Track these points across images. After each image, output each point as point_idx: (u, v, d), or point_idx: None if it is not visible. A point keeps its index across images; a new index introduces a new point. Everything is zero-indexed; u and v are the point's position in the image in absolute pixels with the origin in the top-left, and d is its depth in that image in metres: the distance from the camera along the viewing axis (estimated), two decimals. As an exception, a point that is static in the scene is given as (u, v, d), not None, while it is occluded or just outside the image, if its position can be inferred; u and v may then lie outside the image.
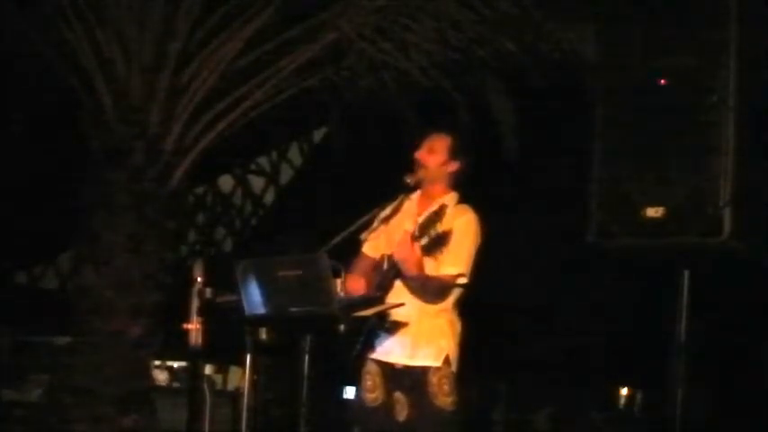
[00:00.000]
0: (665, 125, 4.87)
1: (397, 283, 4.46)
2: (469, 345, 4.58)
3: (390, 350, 4.51)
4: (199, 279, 4.75)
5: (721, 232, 4.69)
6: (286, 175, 15.98)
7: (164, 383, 8.06)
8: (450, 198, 4.59)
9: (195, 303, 4.78)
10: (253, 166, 15.99)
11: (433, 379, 4.44)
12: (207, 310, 4.76)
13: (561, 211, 7.91)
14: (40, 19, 7.05)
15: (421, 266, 4.30)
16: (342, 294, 4.12)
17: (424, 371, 4.46)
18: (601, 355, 10.61)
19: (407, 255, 4.27)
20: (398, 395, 4.48)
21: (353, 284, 4.50)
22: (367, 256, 4.65)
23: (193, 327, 4.85)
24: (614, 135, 5.04)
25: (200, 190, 15.39)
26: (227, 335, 4.64)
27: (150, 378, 7.52)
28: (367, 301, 4.32)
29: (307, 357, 4.17)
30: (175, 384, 8.12)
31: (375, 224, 4.61)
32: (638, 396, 9.72)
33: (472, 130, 7.13)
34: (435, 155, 4.58)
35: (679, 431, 4.90)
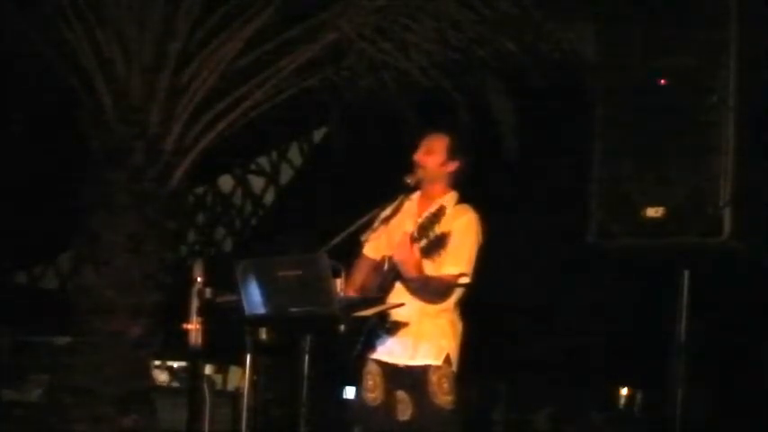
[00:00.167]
0: (665, 125, 4.86)
1: (398, 285, 4.47)
2: (469, 345, 4.59)
3: (391, 350, 4.51)
4: (199, 279, 4.75)
5: (721, 232, 4.69)
6: (286, 175, 15.98)
7: (164, 383, 8.06)
8: (450, 198, 4.59)
9: (195, 303, 4.78)
10: (253, 166, 15.99)
11: (433, 378, 4.45)
12: (207, 310, 4.76)
13: (561, 211, 7.91)
14: (40, 19, 7.05)
15: (420, 268, 4.31)
16: (342, 294, 4.12)
17: (424, 370, 4.46)
18: (601, 355, 10.61)
19: (406, 256, 4.27)
20: (401, 394, 4.48)
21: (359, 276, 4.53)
22: (368, 258, 4.65)
23: (193, 327, 4.85)
24: (614, 135, 5.03)
25: (200, 190, 15.39)
26: (227, 335, 4.64)
27: (150, 378, 7.52)
28: (367, 302, 4.32)
29: (307, 357, 4.17)
30: (175, 384, 8.12)
31: (376, 225, 4.62)
32: (638, 396, 9.73)
33: (471, 129, 7.13)
34: (433, 155, 4.58)
35: (679, 431, 4.90)
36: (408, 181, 4.52)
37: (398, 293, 4.45)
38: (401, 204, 4.62)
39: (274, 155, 15.87)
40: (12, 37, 7.25)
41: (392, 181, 4.60)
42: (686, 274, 4.97)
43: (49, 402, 7.65)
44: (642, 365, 9.43)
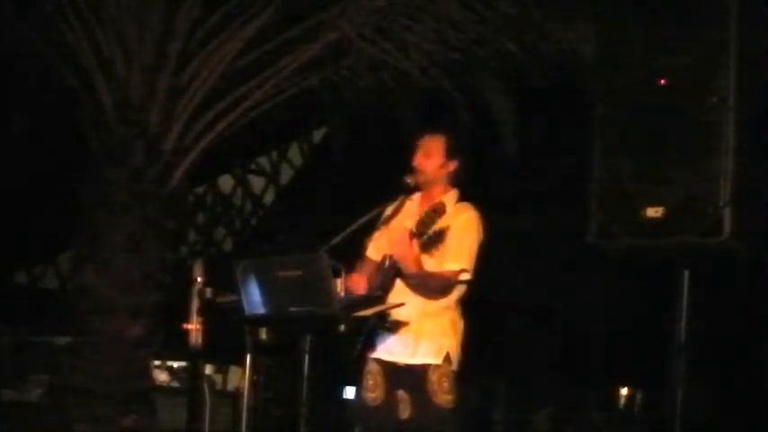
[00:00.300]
0: (665, 125, 4.86)
1: (399, 283, 4.47)
2: (469, 344, 4.58)
3: (392, 349, 4.51)
4: (199, 279, 4.75)
5: (721, 232, 4.68)
6: (286, 175, 16.00)
7: (164, 383, 8.06)
8: (451, 197, 4.59)
9: (195, 303, 4.79)
10: (253, 166, 16.00)
11: (433, 377, 4.44)
12: (207, 310, 4.76)
13: (561, 212, 7.91)
14: (40, 19, 7.05)
15: (419, 264, 4.31)
16: (342, 294, 4.12)
17: (424, 368, 4.46)
18: (601, 355, 10.61)
19: (405, 252, 4.27)
20: (402, 393, 4.48)
21: (355, 283, 4.51)
22: (370, 260, 4.65)
23: (193, 327, 4.85)
24: (614, 135, 5.03)
25: (200, 190, 15.40)
26: (227, 335, 4.64)
27: (150, 378, 7.52)
28: (367, 301, 4.32)
29: (307, 357, 4.17)
30: (175, 384, 8.12)
31: (378, 226, 4.63)
32: (638, 396, 9.72)
33: (469, 128, 7.14)
34: (432, 158, 4.58)
35: (679, 431, 4.90)
36: (408, 181, 4.53)
37: (399, 292, 4.45)
38: (402, 204, 4.63)
39: (274, 155, 15.88)
40: (12, 37, 7.25)
41: (392, 181, 4.60)
42: (686, 274, 4.96)
43: (49, 402, 7.66)
44: (642, 365, 9.43)
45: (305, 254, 4.13)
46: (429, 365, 4.46)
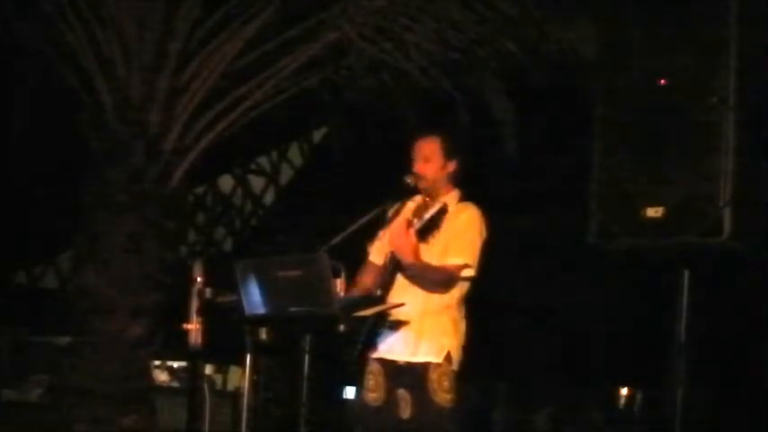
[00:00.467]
0: (665, 125, 4.86)
1: (400, 281, 4.46)
2: (469, 345, 4.58)
3: (393, 347, 4.50)
4: (199, 279, 4.75)
5: (721, 232, 4.68)
6: (286, 175, 16.01)
7: (164, 383, 8.07)
8: (452, 196, 4.60)
9: (195, 303, 4.78)
10: (253, 166, 16.01)
11: (433, 376, 4.43)
12: (207, 310, 4.76)
13: (561, 212, 7.91)
14: (40, 19, 7.05)
15: (417, 253, 4.29)
16: (342, 294, 4.12)
17: (424, 367, 4.45)
18: (601, 355, 10.61)
19: (402, 241, 4.27)
20: (402, 392, 4.47)
21: (360, 286, 4.54)
22: (373, 264, 4.65)
23: (193, 327, 4.84)
24: (614, 135, 5.03)
25: (200, 190, 15.41)
26: (227, 335, 4.64)
27: (150, 378, 7.52)
28: (367, 301, 4.32)
29: (307, 357, 4.17)
30: (175, 384, 8.13)
31: (380, 231, 4.64)
32: (638, 396, 9.73)
33: (465, 127, 7.14)
34: (431, 162, 4.57)
35: (679, 431, 4.90)
36: (408, 182, 4.52)
37: (400, 289, 4.45)
38: (403, 207, 4.62)
39: (274, 155, 15.89)
40: (12, 37, 7.25)
41: (392, 181, 4.60)
42: (686, 274, 4.96)
43: (49, 402, 7.66)
44: (642, 365, 9.43)
45: (305, 254, 4.13)
46: (429, 364, 4.45)
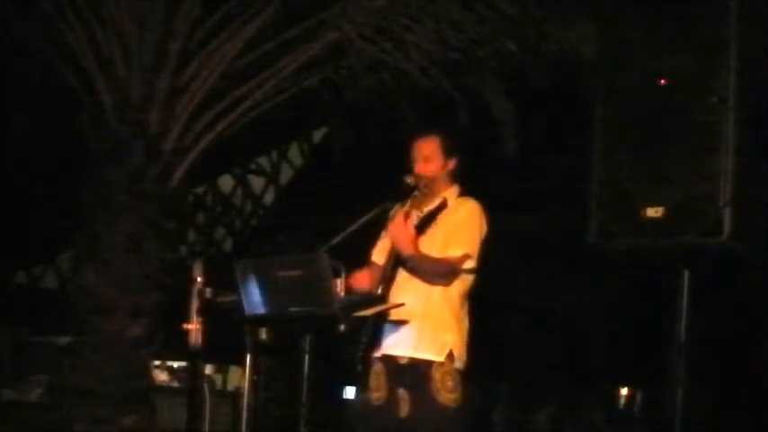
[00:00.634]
0: (665, 125, 4.86)
1: (401, 276, 4.46)
2: (470, 345, 4.57)
3: (395, 343, 4.49)
4: (199, 279, 4.74)
5: (721, 232, 4.68)
6: (286, 175, 16.02)
7: (164, 383, 8.07)
8: (452, 192, 4.62)
9: (195, 303, 4.77)
10: (253, 166, 16.02)
11: (436, 375, 4.42)
12: (207, 310, 4.76)
13: (561, 212, 7.91)
14: (40, 19, 7.05)
15: (415, 244, 4.30)
16: (342, 294, 4.12)
17: (427, 366, 4.43)
18: (601, 355, 10.62)
19: (401, 232, 4.27)
20: (401, 392, 4.46)
21: (358, 280, 4.52)
22: (376, 264, 4.65)
23: (193, 327, 4.84)
24: (614, 135, 5.03)
25: (200, 190, 15.42)
26: (227, 335, 4.64)
27: (150, 378, 7.52)
28: (367, 301, 4.32)
29: (307, 357, 4.17)
30: (175, 384, 8.13)
31: (382, 232, 4.65)
32: (638, 396, 9.73)
33: (463, 125, 7.14)
34: (431, 162, 4.58)
35: (679, 431, 4.90)
36: (408, 182, 4.53)
37: (401, 285, 4.45)
38: (403, 206, 4.62)
39: (274, 155, 15.90)
40: (12, 37, 7.25)
41: (392, 181, 4.60)
42: (686, 274, 4.96)
43: (49, 402, 7.66)
44: (642, 365, 9.44)
45: (305, 254, 4.13)
46: (432, 363, 4.43)
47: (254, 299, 4.12)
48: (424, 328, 4.45)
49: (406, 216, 4.34)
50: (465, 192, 4.65)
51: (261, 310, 4.12)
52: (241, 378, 5.73)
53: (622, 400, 9.79)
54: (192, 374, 6.75)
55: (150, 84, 7.08)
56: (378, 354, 4.51)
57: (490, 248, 4.56)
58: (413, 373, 4.45)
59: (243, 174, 16.08)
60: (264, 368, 7.72)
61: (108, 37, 7.02)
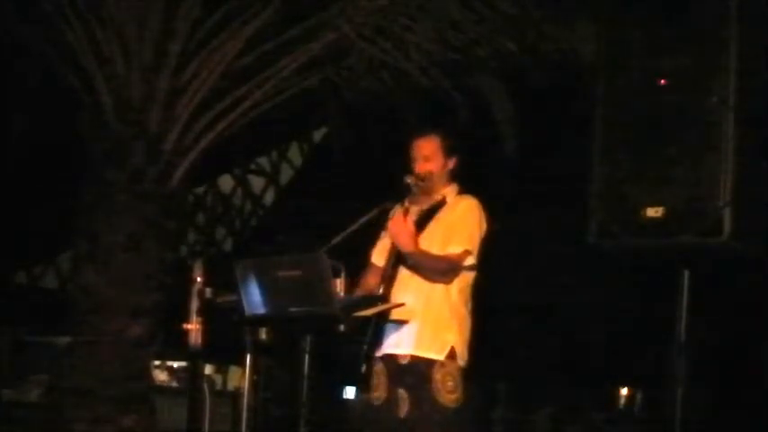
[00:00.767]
0: (665, 125, 4.86)
1: (402, 275, 4.46)
2: (470, 344, 4.57)
3: (396, 343, 4.48)
4: (199, 279, 4.75)
5: (721, 232, 4.68)
6: (286, 175, 16.02)
7: (164, 383, 8.06)
8: (451, 189, 4.63)
9: (195, 303, 4.78)
10: (253, 166, 16.01)
11: (437, 376, 4.41)
12: (207, 310, 4.76)
13: (561, 212, 7.92)
14: (40, 19, 7.05)
15: (415, 240, 4.30)
16: (342, 294, 4.12)
17: (428, 366, 4.42)
18: (601, 355, 10.61)
19: (400, 228, 4.27)
20: (401, 392, 4.46)
21: (366, 286, 4.54)
22: (375, 266, 4.65)
23: (193, 327, 4.84)
24: (614, 135, 5.03)
25: (200, 190, 15.41)
26: (227, 335, 4.64)
27: (150, 378, 7.52)
28: (367, 301, 4.32)
29: (307, 357, 4.17)
30: (175, 384, 8.12)
31: (381, 233, 4.65)
32: (638, 396, 9.72)
33: (463, 125, 7.14)
34: (432, 161, 4.59)
35: (679, 431, 4.90)
36: (408, 182, 4.53)
37: (402, 284, 4.45)
38: (403, 206, 4.62)
39: (274, 155, 15.90)
40: (12, 37, 7.25)
41: (392, 181, 4.61)
42: (686, 274, 4.97)
43: (48, 402, 7.65)
44: (642, 365, 9.44)
45: (305, 254, 4.13)
46: (433, 363, 4.42)
47: (254, 299, 4.12)
48: (425, 326, 4.45)
49: (405, 213, 4.34)
50: (464, 190, 4.66)
51: (261, 310, 4.12)
52: (241, 378, 5.73)
53: (622, 400, 9.78)
54: (192, 374, 6.76)
55: (150, 84, 7.08)
56: (379, 353, 4.51)
57: (490, 249, 4.56)
58: (413, 373, 4.45)
59: (243, 174, 16.08)
60: (264, 368, 7.71)
61: (108, 37, 7.01)
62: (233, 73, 7.25)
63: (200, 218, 15.79)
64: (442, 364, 4.43)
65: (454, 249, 4.44)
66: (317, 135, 14.79)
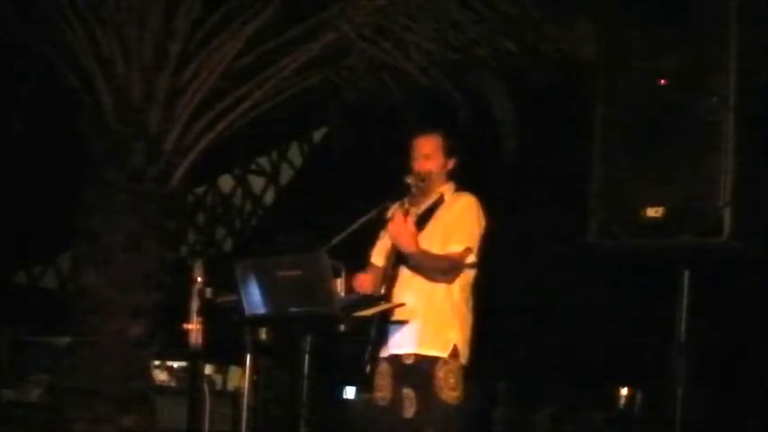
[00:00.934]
0: (665, 125, 4.86)
1: (403, 275, 4.46)
2: (471, 343, 4.57)
3: (400, 343, 4.48)
4: (199, 279, 4.75)
5: (721, 232, 4.69)
6: (286, 175, 16.02)
7: (164, 383, 8.06)
8: (448, 188, 4.63)
9: (195, 303, 4.78)
10: (253, 166, 16.01)
11: (440, 373, 4.42)
12: (207, 310, 4.76)
13: (561, 211, 7.91)
14: (40, 19, 7.05)
15: (416, 241, 4.29)
16: (342, 294, 4.12)
17: (431, 364, 4.43)
18: (601, 355, 10.61)
19: (401, 229, 4.27)
20: (407, 391, 4.46)
21: (360, 282, 4.52)
22: (374, 266, 4.65)
23: (193, 327, 4.84)
24: (614, 135, 5.04)
25: (200, 190, 15.41)
26: (227, 335, 4.64)
27: (150, 378, 7.51)
28: (367, 301, 4.32)
29: (307, 357, 4.17)
30: (175, 384, 8.12)
31: (380, 233, 4.65)
32: (638, 396, 9.72)
33: (464, 126, 7.15)
34: (431, 160, 4.59)
35: (679, 431, 4.90)
36: (409, 182, 4.53)
37: (403, 283, 4.45)
38: (401, 207, 4.62)
39: (274, 155, 15.90)
40: (12, 37, 7.25)
41: (392, 181, 4.60)
42: (686, 274, 4.97)
43: (49, 402, 7.65)
44: (642, 365, 9.43)
45: (305, 254, 4.13)
46: (436, 361, 4.42)
47: (254, 299, 4.12)
48: (428, 325, 4.46)
49: (405, 214, 4.34)
50: (461, 188, 4.66)
51: (261, 310, 4.12)
52: (241, 378, 5.73)
53: (622, 400, 9.78)
54: (192, 374, 6.76)
55: (150, 84, 7.08)
56: (384, 354, 4.51)
57: (490, 249, 4.56)
58: (417, 372, 4.45)
59: (243, 174, 16.08)
60: (264, 368, 7.71)
61: (108, 37, 7.01)
62: (233, 73, 7.25)
63: (201, 218, 15.78)
64: (445, 361, 4.43)
65: (455, 248, 4.44)
66: (317, 135, 14.78)
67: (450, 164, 4.63)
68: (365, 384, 4.59)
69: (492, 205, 4.62)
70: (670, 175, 4.82)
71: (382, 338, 4.45)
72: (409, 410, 4.45)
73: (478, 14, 7.07)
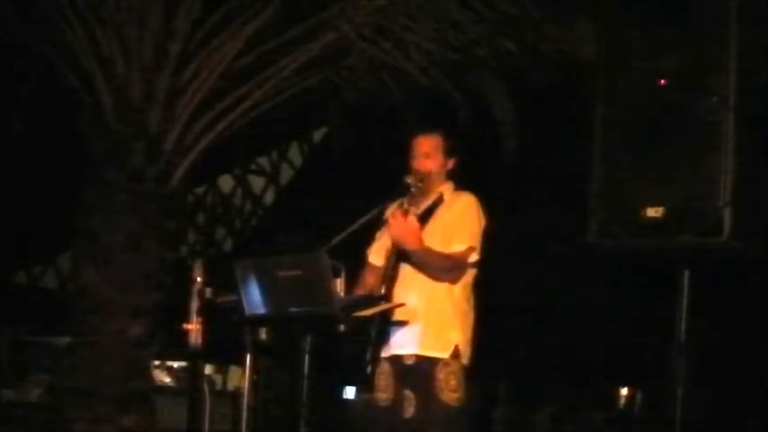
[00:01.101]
0: (665, 125, 4.87)
1: (404, 274, 4.46)
2: (472, 343, 4.57)
3: (401, 343, 4.48)
4: (199, 279, 4.74)
5: (721, 232, 4.69)
6: (286, 175, 16.02)
7: (164, 383, 8.06)
8: (447, 187, 4.63)
9: (195, 303, 4.78)
10: (253, 166, 16.01)
11: (440, 375, 4.41)
12: (207, 310, 4.76)
13: (561, 211, 7.91)
14: (40, 19, 7.05)
15: (419, 238, 4.29)
16: (342, 294, 4.12)
17: (432, 365, 4.42)
18: (601, 355, 10.61)
19: (403, 227, 4.26)
20: (407, 392, 4.46)
21: (366, 286, 4.53)
22: (373, 266, 4.65)
23: (193, 327, 4.84)
24: (614, 135, 5.04)
25: (200, 190, 15.42)
26: (227, 335, 4.64)
27: (150, 378, 7.51)
28: (367, 301, 4.32)
29: (307, 357, 4.17)
30: (175, 384, 8.12)
31: (377, 233, 4.64)
32: (638, 396, 9.73)
33: (465, 126, 7.15)
34: (431, 159, 4.58)
35: (679, 431, 4.90)
36: (409, 182, 4.52)
37: (404, 282, 4.45)
38: (400, 207, 4.62)
39: (274, 155, 15.90)
40: (12, 37, 7.25)
41: (392, 181, 4.60)
42: (686, 274, 4.97)
43: (49, 402, 7.65)
44: (642, 365, 9.44)
45: (305, 254, 4.13)
46: (437, 362, 4.42)
47: (254, 299, 4.12)
48: (429, 326, 4.45)
49: (405, 214, 4.33)
50: (460, 187, 4.66)
51: (261, 310, 4.12)
52: (241, 378, 5.73)
53: (622, 400, 9.78)
54: (192, 374, 6.76)
55: (150, 84, 7.08)
56: (385, 354, 4.51)
57: (490, 249, 4.56)
58: (418, 373, 4.45)
59: (243, 174, 16.08)
60: (264, 368, 7.71)
61: (108, 37, 7.01)
62: (233, 73, 7.25)
63: (201, 218, 15.79)
64: (445, 362, 4.43)
65: (458, 247, 4.43)
66: (317, 135, 14.79)
67: (450, 164, 4.62)
68: (366, 385, 4.58)
69: (492, 205, 4.62)
70: (670, 175, 4.82)
71: (383, 338, 4.45)
72: (408, 411, 4.44)
73: (478, 14, 7.07)
